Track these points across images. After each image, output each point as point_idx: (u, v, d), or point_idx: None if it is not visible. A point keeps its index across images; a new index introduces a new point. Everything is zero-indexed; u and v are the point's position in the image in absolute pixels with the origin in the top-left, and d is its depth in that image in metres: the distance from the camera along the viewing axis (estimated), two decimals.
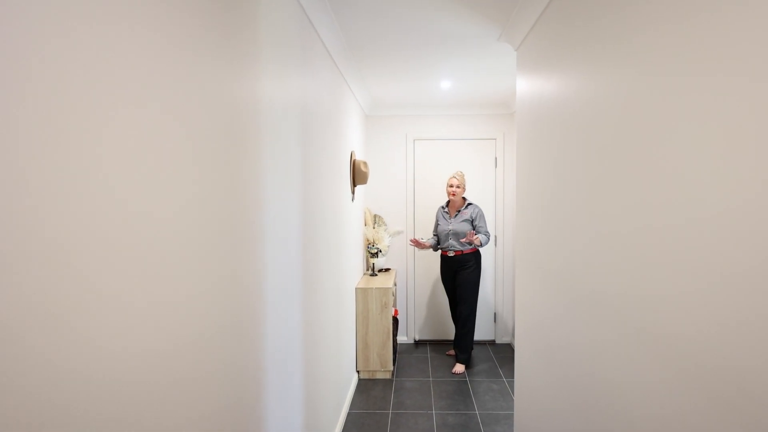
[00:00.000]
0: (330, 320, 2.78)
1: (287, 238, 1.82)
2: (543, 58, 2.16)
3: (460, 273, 4.05)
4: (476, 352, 4.40)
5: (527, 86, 2.43)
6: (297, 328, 1.98)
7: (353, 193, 3.68)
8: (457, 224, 4.03)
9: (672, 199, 1.09)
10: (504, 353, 4.38)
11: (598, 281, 1.51)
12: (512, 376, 3.76)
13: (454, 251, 4.04)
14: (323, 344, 2.56)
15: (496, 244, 4.68)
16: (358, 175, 3.66)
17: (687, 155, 1.03)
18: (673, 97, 1.09)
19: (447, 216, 4.13)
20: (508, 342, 4.66)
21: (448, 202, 4.18)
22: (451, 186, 4.05)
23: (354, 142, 3.82)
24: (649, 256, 1.19)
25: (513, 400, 3.33)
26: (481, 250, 4.17)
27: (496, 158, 4.64)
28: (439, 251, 4.24)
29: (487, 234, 4.02)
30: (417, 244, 4.12)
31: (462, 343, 4.02)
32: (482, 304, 4.69)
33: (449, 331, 4.66)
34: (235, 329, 1.30)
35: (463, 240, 3.93)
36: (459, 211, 4.07)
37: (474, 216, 4.02)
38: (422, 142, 4.72)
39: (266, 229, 1.56)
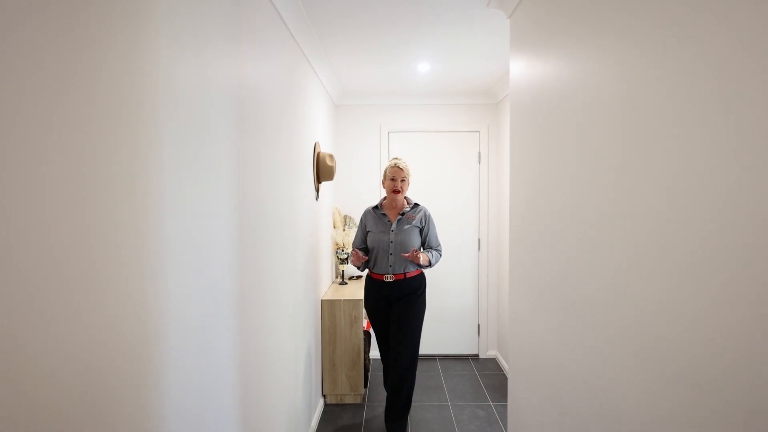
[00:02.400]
0: (285, 342, 2.28)
1: (210, 253, 1.32)
2: (545, 27, 1.72)
3: (400, 304, 2.76)
4: (458, 369, 3.96)
5: (524, 65, 1.98)
6: (228, 366, 1.47)
7: (318, 191, 3.18)
8: (403, 234, 2.76)
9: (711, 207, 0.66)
10: (489, 370, 3.95)
11: (626, 307, 1.07)
12: (500, 400, 3.33)
13: (394, 275, 2.75)
14: (274, 373, 2.06)
15: (479, 248, 4.24)
16: (323, 170, 3.17)
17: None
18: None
19: (384, 220, 2.83)
20: (493, 356, 4.23)
21: (383, 201, 2.94)
22: (394, 179, 2.80)
23: (319, 133, 3.32)
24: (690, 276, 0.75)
25: (503, 431, 2.89)
26: (426, 270, 3.02)
27: (479, 153, 4.20)
28: (365, 272, 2.96)
29: (439, 249, 2.88)
30: (357, 258, 2.80)
31: (401, 407, 2.77)
32: (463, 315, 4.24)
33: (428, 343, 4.20)
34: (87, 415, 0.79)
35: (407, 256, 2.71)
36: (403, 214, 2.82)
37: (425, 222, 2.85)
38: (398, 135, 4.25)
39: (165, 247, 1.05)
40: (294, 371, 2.46)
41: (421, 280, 2.83)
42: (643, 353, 1.06)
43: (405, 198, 2.91)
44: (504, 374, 3.83)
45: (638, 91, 1.09)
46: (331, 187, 3.91)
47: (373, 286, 2.86)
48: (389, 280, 2.77)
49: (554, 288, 1.64)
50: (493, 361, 4.14)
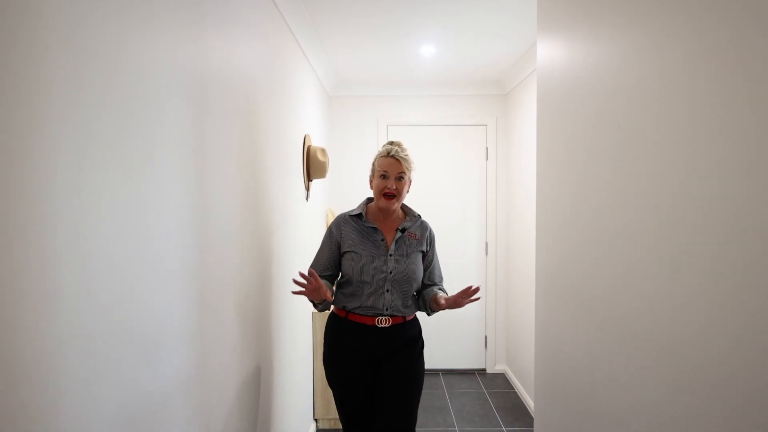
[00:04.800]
0: (266, 367, 1.92)
1: (148, 269, 0.95)
2: None
3: (395, 360, 1.80)
4: (465, 386, 3.60)
5: (560, 43, 1.62)
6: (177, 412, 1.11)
7: (308, 189, 2.82)
8: (408, 261, 1.81)
9: None
10: (498, 387, 3.59)
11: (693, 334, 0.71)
12: (514, 424, 2.97)
13: (392, 317, 1.79)
14: (252, 407, 1.69)
15: (487, 253, 3.88)
16: (314, 167, 2.80)
17: None
18: None
19: (376, 239, 1.82)
20: (502, 371, 3.87)
21: (367, 205, 1.92)
22: (385, 176, 1.80)
23: (310, 125, 2.95)
24: None
25: None
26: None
27: (487, 149, 3.84)
28: (328, 310, 1.87)
29: (443, 287, 1.97)
30: (311, 286, 1.62)
31: None
32: (468, 326, 3.88)
33: (431, 357, 3.84)
34: None
35: (440, 304, 1.80)
36: (404, 230, 1.85)
37: (428, 245, 1.92)
38: (397, 129, 3.88)
39: (56, 270, 0.69)
40: (278, 391, 2.09)
41: (418, 323, 1.92)
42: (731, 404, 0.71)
43: (402, 206, 1.93)
44: (515, 392, 3.47)
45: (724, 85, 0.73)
46: (324, 186, 3.55)
47: (349, 335, 1.79)
48: (384, 325, 1.77)
49: (597, 306, 1.29)
50: (502, 377, 3.79)
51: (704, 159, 0.86)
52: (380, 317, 1.78)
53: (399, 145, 1.84)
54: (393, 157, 1.80)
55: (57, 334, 0.69)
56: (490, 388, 3.55)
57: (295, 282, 1.62)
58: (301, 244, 2.62)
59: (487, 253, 3.87)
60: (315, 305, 1.77)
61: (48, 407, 0.67)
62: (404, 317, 1.82)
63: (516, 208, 3.56)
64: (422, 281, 1.91)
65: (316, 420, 3.01)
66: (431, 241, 1.94)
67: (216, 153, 1.34)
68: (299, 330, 2.58)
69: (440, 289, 1.93)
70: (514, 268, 3.63)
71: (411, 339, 1.85)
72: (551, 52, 1.68)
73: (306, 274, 1.60)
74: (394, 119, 3.86)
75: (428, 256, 1.92)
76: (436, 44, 2.91)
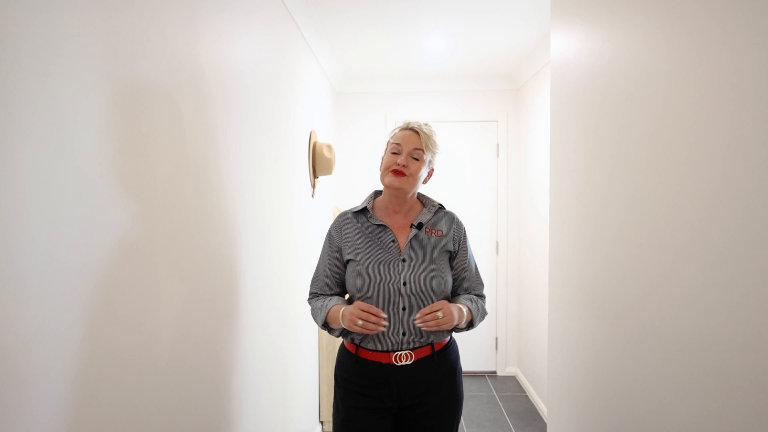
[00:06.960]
0: (273, 361, 1.85)
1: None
2: None
3: (427, 409, 1.38)
4: (474, 389, 3.50)
5: (574, 33, 1.53)
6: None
7: (314, 186, 2.75)
8: (428, 266, 1.38)
9: None
10: (509, 390, 3.49)
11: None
12: (525, 430, 2.86)
13: (412, 351, 1.35)
14: (248, 414, 1.63)
15: (497, 252, 3.79)
16: (320, 163, 2.73)
17: None
18: None
19: (384, 239, 1.41)
20: (513, 374, 3.77)
21: (374, 197, 1.52)
22: (397, 152, 1.40)
23: (316, 121, 2.89)
24: None
25: None
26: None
27: (497, 145, 3.74)
28: (339, 338, 1.61)
29: (482, 294, 1.51)
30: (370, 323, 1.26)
31: None
32: (478, 328, 3.78)
33: None
34: None
35: (424, 321, 1.27)
36: (421, 226, 1.42)
37: (458, 242, 1.47)
38: None
39: None
40: (281, 394, 2.03)
41: (454, 350, 1.46)
42: None
43: (419, 196, 1.52)
44: (527, 396, 3.37)
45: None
46: (331, 183, 3.48)
47: (361, 379, 1.38)
48: (403, 362, 1.35)
49: (615, 307, 1.20)
50: (513, 380, 3.68)
51: (745, 150, 0.77)
52: (398, 352, 1.34)
53: (426, 124, 1.45)
54: (411, 129, 1.42)
55: None
56: (501, 392, 3.45)
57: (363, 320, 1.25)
58: (307, 241, 2.55)
59: (497, 253, 3.77)
60: (330, 330, 1.40)
61: None
62: (432, 345, 1.37)
63: (528, 206, 3.46)
64: (455, 291, 1.48)
65: (321, 422, 2.94)
66: (461, 238, 1.47)
67: (217, 150, 1.27)
68: (304, 331, 2.51)
69: (472, 298, 1.46)
70: (526, 268, 3.53)
71: (445, 374, 1.40)
72: (566, 42, 1.59)
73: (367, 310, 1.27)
74: (402, 116, 3.78)
75: (458, 258, 1.46)
76: (444, 37, 2.83)
